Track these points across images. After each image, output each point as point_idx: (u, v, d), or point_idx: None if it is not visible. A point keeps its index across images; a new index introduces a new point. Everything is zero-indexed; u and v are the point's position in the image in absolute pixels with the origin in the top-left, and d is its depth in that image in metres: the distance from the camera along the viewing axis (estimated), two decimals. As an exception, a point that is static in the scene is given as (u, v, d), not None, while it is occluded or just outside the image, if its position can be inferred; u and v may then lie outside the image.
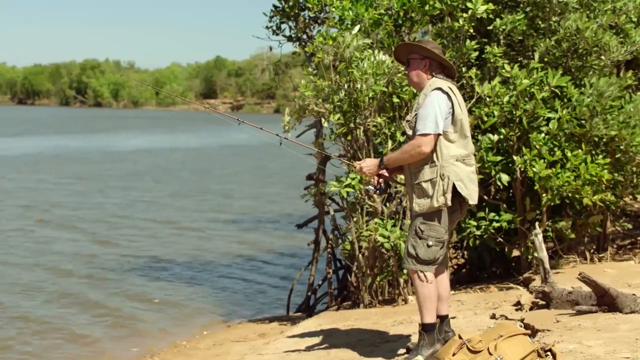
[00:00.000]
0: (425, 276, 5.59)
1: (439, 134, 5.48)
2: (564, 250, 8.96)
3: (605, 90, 8.08)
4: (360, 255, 8.62)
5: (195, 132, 58.13)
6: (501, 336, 4.98)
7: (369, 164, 5.84)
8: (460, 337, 5.10)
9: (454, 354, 4.99)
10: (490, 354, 4.88)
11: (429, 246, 5.55)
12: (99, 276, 13.47)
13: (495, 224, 8.43)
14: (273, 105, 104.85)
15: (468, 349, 4.97)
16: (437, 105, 5.47)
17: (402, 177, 5.92)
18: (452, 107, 5.52)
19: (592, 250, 9.27)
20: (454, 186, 5.49)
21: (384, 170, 5.83)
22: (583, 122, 8.20)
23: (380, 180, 5.89)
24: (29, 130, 59.92)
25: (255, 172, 32.44)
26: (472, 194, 5.58)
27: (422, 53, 5.69)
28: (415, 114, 5.58)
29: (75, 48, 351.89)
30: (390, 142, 8.28)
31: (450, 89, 5.58)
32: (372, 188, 5.92)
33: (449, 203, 5.49)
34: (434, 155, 5.50)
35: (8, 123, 69.99)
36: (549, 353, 5.01)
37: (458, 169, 5.51)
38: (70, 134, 56.70)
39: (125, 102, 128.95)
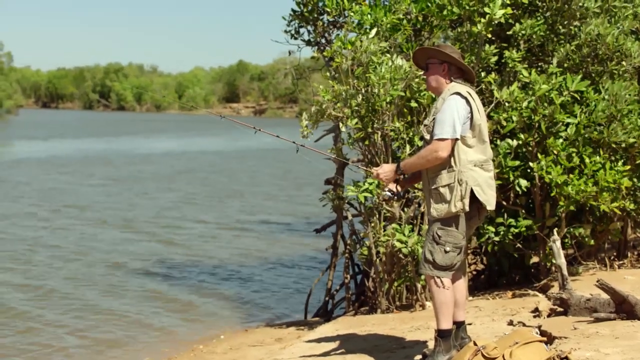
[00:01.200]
0: (442, 282, 5.56)
1: (457, 139, 5.45)
2: (583, 257, 8.90)
3: (622, 95, 8.02)
4: (377, 261, 8.60)
5: (220, 135, 58.29)
6: (517, 343, 4.97)
7: (386, 169, 5.80)
8: (475, 344, 5.08)
9: (468, 360, 4.97)
10: (506, 360, 4.86)
11: (446, 252, 5.52)
12: (116, 279, 13.55)
13: (514, 230, 8.40)
14: (295, 110, 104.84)
15: (483, 355, 4.96)
16: (455, 110, 5.44)
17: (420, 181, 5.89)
18: (471, 112, 5.49)
19: (612, 257, 9.20)
20: (471, 192, 5.45)
21: (401, 179, 5.80)
22: (601, 127, 8.14)
23: (398, 186, 5.86)
24: (56, 133, 60.47)
25: (275, 176, 32.44)
26: (490, 200, 5.54)
27: (440, 58, 5.66)
28: (433, 119, 5.55)
29: (99, 52, 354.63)
30: (408, 147, 8.25)
31: (469, 93, 5.55)
32: (389, 194, 5.89)
33: (467, 208, 5.46)
34: (452, 160, 5.46)
35: (34, 126, 70.59)
36: (565, 360, 4.97)
37: (476, 174, 5.47)
38: (97, 137, 57.20)
39: (148, 105, 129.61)
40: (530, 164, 8.21)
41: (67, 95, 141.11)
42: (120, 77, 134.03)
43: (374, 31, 8.30)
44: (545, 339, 5.22)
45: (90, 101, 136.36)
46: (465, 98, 5.49)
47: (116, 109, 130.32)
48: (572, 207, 8.12)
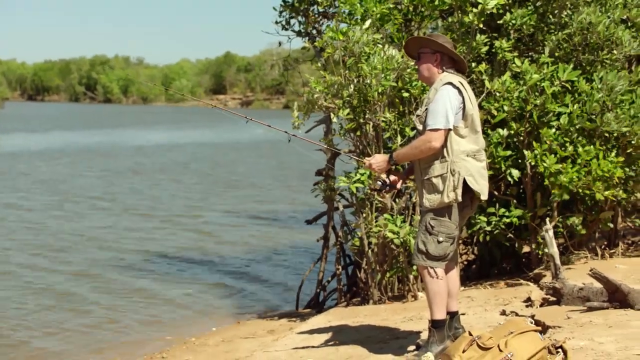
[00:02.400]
0: (435, 272, 5.57)
1: (450, 129, 5.44)
2: (574, 246, 8.91)
3: (616, 84, 8.03)
4: (369, 251, 8.59)
5: (210, 127, 58.10)
6: (512, 333, 4.96)
7: (378, 160, 5.79)
8: (470, 334, 5.07)
9: (464, 351, 4.96)
10: (501, 350, 4.85)
11: (439, 242, 5.52)
12: (105, 273, 13.51)
13: (506, 220, 8.41)
14: (282, 101, 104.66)
15: (478, 345, 4.94)
16: (447, 100, 5.43)
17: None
18: (463, 102, 5.48)
19: (603, 246, 9.22)
20: (464, 182, 5.45)
21: (394, 169, 5.80)
22: (593, 117, 8.15)
23: (391, 177, 5.86)
24: (45, 126, 60.10)
25: (266, 167, 32.41)
26: (483, 189, 5.54)
27: (433, 47, 5.65)
28: (426, 109, 5.55)
29: (85, 44, 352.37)
30: (399, 138, 8.24)
31: (461, 83, 5.54)
32: (381, 184, 5.88)
33: (460, 199, 5.46)
34: (445, 150, 5.46)
35: (22, 119, 70.20)
36: (560, 350, 4.97)
37: (469, 164, 5.47)
38: (87, 129, 56.90)
39: (134, 98, 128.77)
40: (525, 152, 8.21)
41: (53, 87, 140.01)
42: (107, 69, 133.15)
43: (368, 22, 8.27)
44: (540, 328, 5.21)
45: (76, 93, 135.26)
46: (458, 88, 5.49)
47: (102, 102, 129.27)
48: (565, 196, 8.13)
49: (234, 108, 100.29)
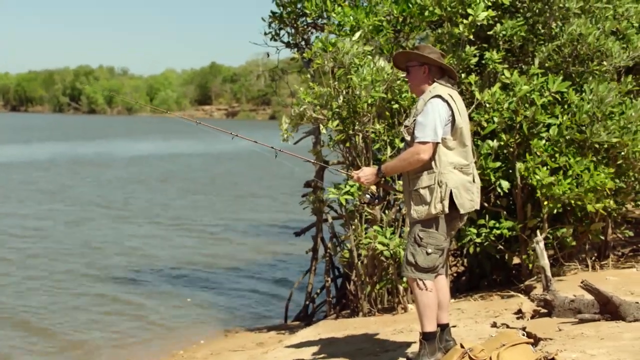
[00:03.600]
0: (424, 284, 5.54)
1: (438, 142, 5.43)
2: (565, 258, 8.89)
3: (606, 96, 8.04)
4: (359, 263, 8.54)
5: (197, 138, 57.90)
6: (503, 345, 4.95)
7: (366, 173, 5.77)
8: (462, 346, 5.06)
9: (455, 363, 4.94)
10: (493, 363, 4.83)
11: (428, 254, 5.50)
12: (89, 285, 13.40)
13: (496, 232, 8.37)
14: (268, 112, 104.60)
15: (470, 358, 4.94)
16: (437, 113, 5.42)
17: (401, 183, 5.86)
18: (452, 115, 5.47)
19: (593, 258, 9.19)
20: (451, 194, 5.43)
21: (382, 182, 5.78)
22: (583, 128, 8.15)
23: (379, 189, 5.84)
24: (33, 136, 60.12)
25: (253, 179, 32.34)
26: (464, 203, 5.51)
27: (420, 60, 5.65)
28: (414, 120, 5.53)
29: (69, 54, 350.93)
30: (389, 149, 8.22)
31: (451, 96, 5.52)
32: (369, 196, 5.86)
33: (447, 210, 5.44)
34: (433, 162, 5.45)
35: (8, 129, 69.88)
36: (551, 362, 4.95)
37: (456, 177, 5.46)
38: (75, 140, 56.92)
39: (119, 108, 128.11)
40: (517, 164, 8.20)
41: (36, 98, 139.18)
42: (91, 80, 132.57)
43: (357, 34, 8.26)
44: (532, 340, 5.19)
45: (60, 104, 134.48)
46: (447, 101, 5.47)
47: (87, 112, 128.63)
48: (558, 209, 8.12)
49: (219, 119, 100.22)
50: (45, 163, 37.34)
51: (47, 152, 44.71)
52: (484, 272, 9.38)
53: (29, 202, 23.75)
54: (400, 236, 8.14)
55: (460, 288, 9.52)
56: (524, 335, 5.29)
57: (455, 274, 9.89)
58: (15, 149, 46.32)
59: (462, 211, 5.52)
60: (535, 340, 5.59)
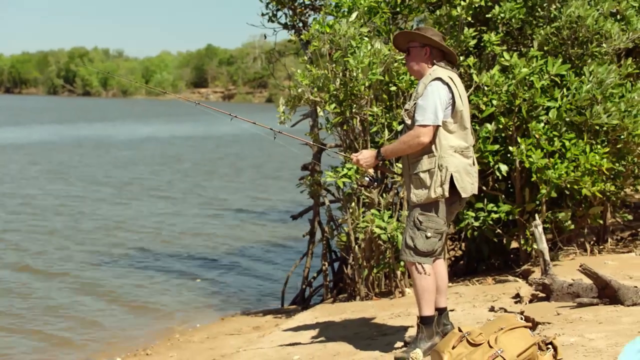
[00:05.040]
0: (423, 268, 5.53)
1: (439, 126, 5.39)
2: (563, 242, 8.86)
3: (605, 77, 7.99)
4: (356, 247, 8.51)
5: (194, 121, 57.87)
6: (502, 329, 4.92)
7: (365, 155, 5.74)
8: (460, 330, 5.03)
9: (453, 347, 4.91)
10: (491, 347, 4.80)
11: (427, 237, 5.49)
12: (84, 270, 13.39)
13: (494, 215, 8.34)
14: (265, 95, 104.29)
15: (468, 341, 4.90)
16: (437, 96, 5.40)
17: (400, 166, 5.83)
18: (453, 98, 5.45)
19: (592, 242, 9.17)
20: (451, 177, 5.38)
21: (381, 164, 5.75)
22: (583, 110, 8.11)
23: (378, 171, 5.80)
24: (31, 118, 59.99)
25: (249, 161, 32.29)
26: (466, 187, 5.50)
27: (422, 41, 5.61)
28: (415, 103, 5.50)
29: (63, 36, 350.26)
30: (387, 132, 8.16)
31: (451, 78, 5.50)
32: (368, 179, 5.83)
33: (447, 194, 5.42)
34: (433, 145, 5.43)
35: (3, 111, 69.76)
36: (550, 346, 4.92)
37: (456, 160, 5.45)
38: (76, 122, 56.81)
39: (114, 91, 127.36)
40: (510, 148, 8.16)
41: (30, 80, 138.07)
42: (86, 62, 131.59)
43: (354, 15, 8.19)
44: (530, 324, 5.16)
45: (54, 86, 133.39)
46: (447, 84, 5.45)
47: (81, 95, 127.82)
48: (553, 194, 8.09)
49: (216, 102, 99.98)
50: (53, 145, 37.48)
51: (52, 133, 44.80)
52: (482, 256, 9.36)
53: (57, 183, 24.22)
54: (397, 220, 8.11)
55: (458, 272, 9.49)
56: (522, 319, 5.25)
57: (453, 258, 9.87)
58: (19, 131, 46.18)
59: (463, 195, 5.51)
60: (533, 325, 5.54)
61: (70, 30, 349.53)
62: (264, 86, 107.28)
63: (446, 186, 5.40)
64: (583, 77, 8.11)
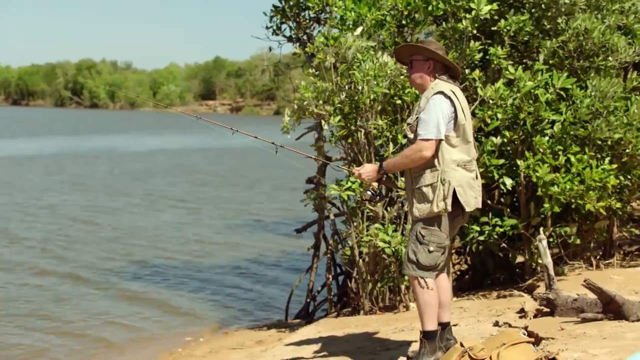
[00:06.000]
0: (425, 282, 5.49)
1: (441, 140, 5.36)
2: (569, 257, 8.82)
3: (608, 91, 7.96)
4: (360, 261, 8.47)
5: (201, 133, 57.98)
6: (504, 344, 4.92)
7: (368, 169, 5.71)
8: (462, 345, 5.01)
9: (455, 362, 4.88)
10: (493, 362, 4.77)
11: (430, 252, 5.45)
12: (95, 280, 13.36)
13: (499, 229, 8.29)
14: (273, 107, 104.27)
15: (470, 357, 4.90)
16: (439, 110, 5.37)
17: (404, 180, 5.80)
18: (455, 112, 5.42)
19: (598, 257, 9.11)
20: (454, 191, 5.35)
21: (384, 179, 5.72)
22: (586, 124, 8.07)
23: (381, 185, 5.78)
24: (40, 129, 60.35)
25: (253, 175, 32.26)
26: (469, 201, 5.47)
27: (425, 54, 5.58)
28: (417, 117, 5.47)
29: (71, 48, 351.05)
30: (391, 145, 8.13)
31: (453, 92, 5.46)
32: (370, 193, 5.80)
33: (449, 208, 5.39)
34: (435, 159, 5.39)
35: (10, 123, 69.98)
36: (553, 361, 4.89)
37: (459, 174, 5.42)
38: (84, 134, 57.12)
39: (122, 103, 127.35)
40: (518, 162, 8.11)
41: (38, 92, 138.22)
42: (94, 74, 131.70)
43: (359, 29, 8.18)
44: (533, 340, 5.13)
45: (62, 98, 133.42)
46: (450, 98, 5.41)
47: (89, 107, 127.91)
48: (556, 209, 8.04)
49: (223, 114, 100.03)
50: (68, 157, 37.84)
51: (63, 145, 45.02)
52: (487, 270, 9.31)
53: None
54: (402, 234, 8.07)
55: (463, 286, 9.45)
56: (524, 334, 5.22)
57: (458, 272, 9.83)
58: (22, 143, 46.35)
59: (467, 209, 5.48)
60: (536, 340, 5.52)
61: (78, 43, 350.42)
62: (272, 99, 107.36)
63: (449, 200, 5.37)
64: (587, 90, 8.07)
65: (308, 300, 10.57)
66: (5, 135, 52.53)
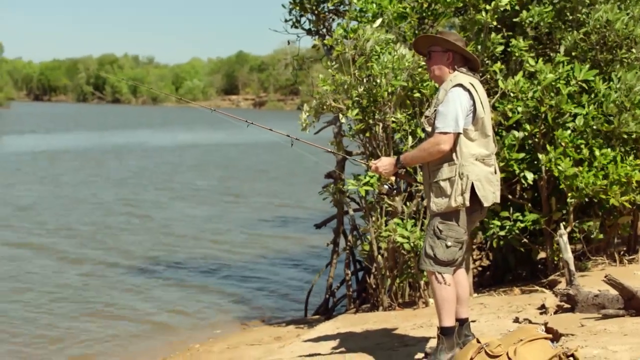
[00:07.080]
0: (443, 278, 5.39)
1: (459, 133, 5.27)
2: (592, 252, 8.71)
3: (635, 84, 7.83)
4: (379, 257, 8.39)
5: (222, 129, 58.19)
6: (521, 340, 4.85)
7: (385, 163, 5.62)
8: (478, 341, 4.95)
9: (471, 358, 4.84)
10: (510, 358, 4.73)
11: (447, 247, 5.35)
12: (108, 274, 13.42)
13: (520, 225, 8.20)
14: (296, 102, 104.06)
15: (486, 353, 4.84)
16: (458, 103, 5.27)
17: (422, 174, 5.72)
18: (474, 105, 5.31)
19: (621, 252, 9.00)
20: (472, 186, 5.26)
21: (402, 172, 5.63)
22: (611, 118, 7.94)
23: (398, 179, 5.70)
24: (59, 126, 60.83)
25: (273, 170, 32.23)
26: (487, 196, 5.37)
27: (444, 46, 5.48)
28: (435, 110, 5.38)
29: (93, 43, 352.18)
30: (410, 139, 8.03)
31: (472, 85, 5.36)
32: (387, 187, 5.72)
33: (467, 203, 5.29)
34: (454, 153, 5.30)
35: (32, 119, 70.50)
36: (571, 358, 4.83)
37: (477, 169, 5.31)
38: (103, 130, 57.55)
39: (144, 98, 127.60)
40: (539, 155, 8.01)
41: (60, 87, 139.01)
42: (115, 69, 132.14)
43: (378, 21, 8.09)
44: (550, 336, 5.06)
45: (84, 93, 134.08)
46: (468, 90, 5.31)
47: (111, 102, 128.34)
48: (583, 201, 7.93)
49: (246, 109, 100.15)
50: (80, 152, 38.08)
51: (77, 141, 45.35)
52: (509, 266, 9.22)
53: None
54: (421, 229, 7.98)
55: (484, 283, 9.37)
56: (543, 330, 5.14)
57: (479, 268, 9.74)
58: (44, 139, 46.75)
59: (485, 204, 5.38)
60: (556, 336, 5.44)
61: (100, 38, 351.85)
62: (295, 93, 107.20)
63: (467, 195, 5.27)
64: (611, 83, 7.95)
65: (327, 296, 10.52)
66: (39, 130, 53.13)
